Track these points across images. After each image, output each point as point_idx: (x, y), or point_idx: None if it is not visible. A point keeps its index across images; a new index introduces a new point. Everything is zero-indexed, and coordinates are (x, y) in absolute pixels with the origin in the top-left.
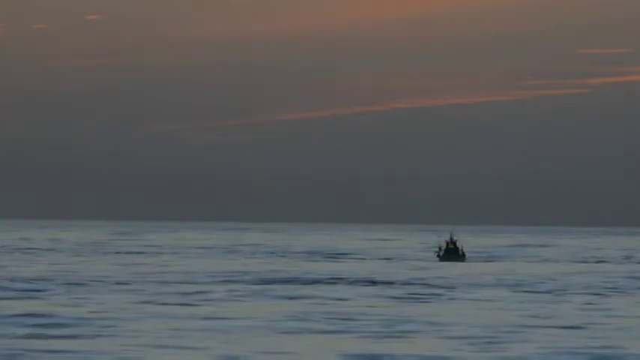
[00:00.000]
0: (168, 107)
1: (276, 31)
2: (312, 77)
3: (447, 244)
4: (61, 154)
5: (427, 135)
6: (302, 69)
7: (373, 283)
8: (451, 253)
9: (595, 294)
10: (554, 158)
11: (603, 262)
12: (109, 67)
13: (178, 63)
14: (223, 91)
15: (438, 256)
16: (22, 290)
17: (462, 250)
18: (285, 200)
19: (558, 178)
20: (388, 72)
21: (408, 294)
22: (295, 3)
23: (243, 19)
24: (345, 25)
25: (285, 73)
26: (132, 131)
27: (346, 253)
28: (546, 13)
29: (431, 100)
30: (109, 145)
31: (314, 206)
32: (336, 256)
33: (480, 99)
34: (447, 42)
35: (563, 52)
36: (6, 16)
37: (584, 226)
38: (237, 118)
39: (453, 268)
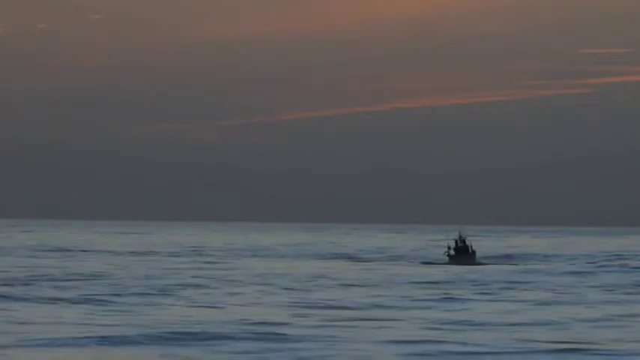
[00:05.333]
0: (168, 107)
1: (277, 31)
2: (312, 77)
3: (457, 242)
4: (61, 153)
5: (427, 135)
6: (302, 69)
7: None
8: (461, 251)
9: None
10: (554, 158)
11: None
12: (109, 67)
13: (178, 63)
14: (223, 91)
15: (448, 255)
16: None
17: (471, 248)
18: (285, 200)
19: (558, 178)
20: (388, 72)
21: None
22: (295, 3)
23: (244, 19)
24: (346, 25)
25: (286, 72)
26: (132, 131)
27: None
28: (547, 13)
29: (431, 100)
30: (109, 144)
31: (314, 206)
32: None
33: (480, 99)
34: (447, 42)
35: (563, 52)
36: (8, 15)
37: (585, 226)
38: (237, 118)
39: None
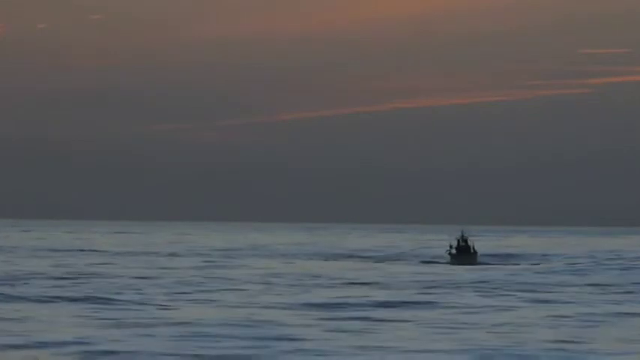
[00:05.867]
0: (168, 107)
1: (277, 31)
2: (312, 77)
3: (459, 242)
4: (61, 153)
5: (427, 135)
6: (302, 69)
7: None
8: (463, 251)
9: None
10: (554, 158)
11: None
12: (109, 67)
13: (178, 63)
14: (223, 91)
15: (450, 253)
16: None
17: (473, 247)
18: (285, 200)
19: (558, 179)
20: (388, 72)
21: None
22: (295, 3)
23: (244, 19)
24: (346, 24)
25: (286, 72)
26: (132, 131)
27: None
28: (547, 13)
29: (431, 100)
30: (109, 144)
31: (314, 206)
32: None
33: (480, 99)
34: (447, 41)
35: (563, 52)
36: (8, 15)
37: (585, 226)
38: (237, 118)
39: None
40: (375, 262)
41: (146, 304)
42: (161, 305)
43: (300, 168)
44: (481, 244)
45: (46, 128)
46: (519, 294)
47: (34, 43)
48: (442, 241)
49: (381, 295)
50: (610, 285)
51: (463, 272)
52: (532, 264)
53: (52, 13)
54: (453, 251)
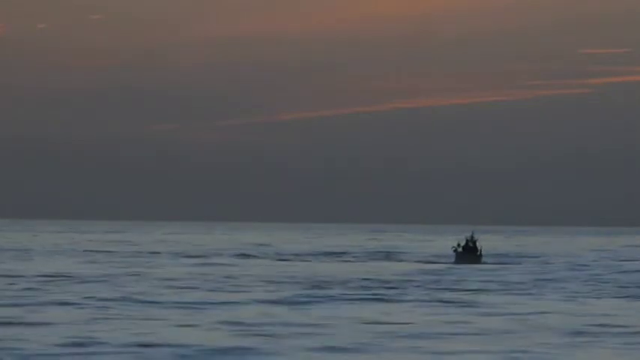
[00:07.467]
0: (168, 107)
1: (277, 31)
2: (312, 77)
3: (467, 241)
4: (61, 153)
5: (427, 135)
6: (302, 69)
7: None
8: (469, 250)
9: None
10: (554, 158)
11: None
12: (109, 67)
13: (178, 63)
14: (223, 91)
15: (455, 251)
16: None
17: (480, 250)
18: (285, 200)
19: (558, 178)
20: (388, 72)
21: None
22: (295, 3)
23: (244, 19)
24: (346, 24)
25: (286, 72)
26: (132, 131)
27: None
28: (547, 12)
29: (431, 100)
30: (109, 144)
31: (314, 206)
32: None
33: (480, 99)
34: (447, 42)
35: (563, 52)
36: (8, 15)
37: (585, 226)
38: (237, 118)
39: None
40: (375, 261)
41: (148, 302)
42: (161, 303)
43: (300, 168)
44: (481, 244)
45: (46, 128)
46: (519, 293)
47: (34, 43)
48: (440, 241)
49: (378, 294)
50: (609, 284)
51: (463, 273)
52: (532, 264)
53: (52, 13)
54: (460, 249)
